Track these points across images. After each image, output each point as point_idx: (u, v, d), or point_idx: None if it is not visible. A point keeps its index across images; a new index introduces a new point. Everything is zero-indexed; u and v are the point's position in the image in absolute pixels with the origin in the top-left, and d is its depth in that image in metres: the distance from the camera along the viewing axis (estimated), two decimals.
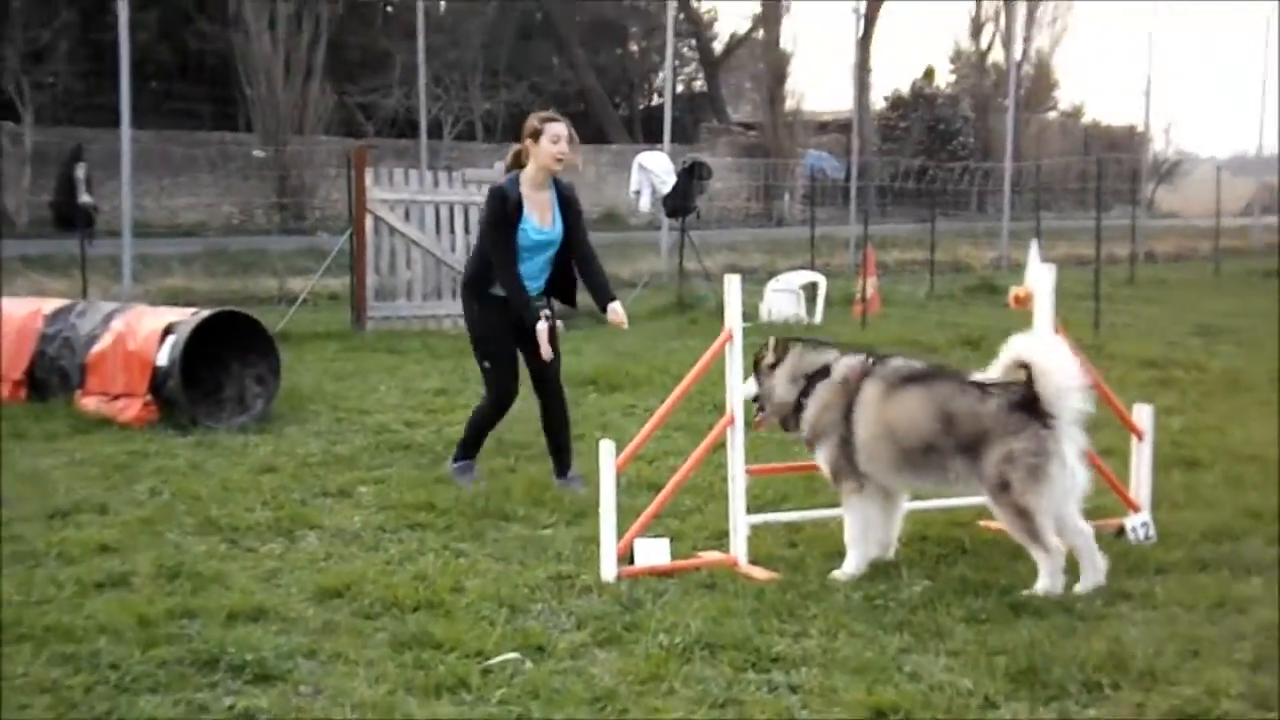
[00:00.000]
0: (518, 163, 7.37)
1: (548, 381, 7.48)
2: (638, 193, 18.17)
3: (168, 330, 9.16)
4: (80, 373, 9.44)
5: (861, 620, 5.24)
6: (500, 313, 7.28)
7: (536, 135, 7.24)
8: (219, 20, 32.45)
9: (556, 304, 7.53)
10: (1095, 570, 5.65)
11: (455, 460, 7.58)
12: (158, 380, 9.03)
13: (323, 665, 4.74)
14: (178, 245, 21.77)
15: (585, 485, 7.21)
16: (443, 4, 40.38)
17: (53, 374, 9.65)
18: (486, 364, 7.43)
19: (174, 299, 14.94)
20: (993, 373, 5.72)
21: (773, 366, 6.13)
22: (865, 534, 5.90)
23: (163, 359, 9.01)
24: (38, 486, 7.25)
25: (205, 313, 9.39)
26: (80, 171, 17.80)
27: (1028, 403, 5.54)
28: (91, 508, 6.79)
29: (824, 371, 6.00)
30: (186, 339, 9.01)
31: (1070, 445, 5.53)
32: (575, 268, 7.42)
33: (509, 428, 7.90)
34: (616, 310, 7.29)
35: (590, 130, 41.32)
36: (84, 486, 7.28)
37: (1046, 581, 5.53)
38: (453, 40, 35.63)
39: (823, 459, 5.98)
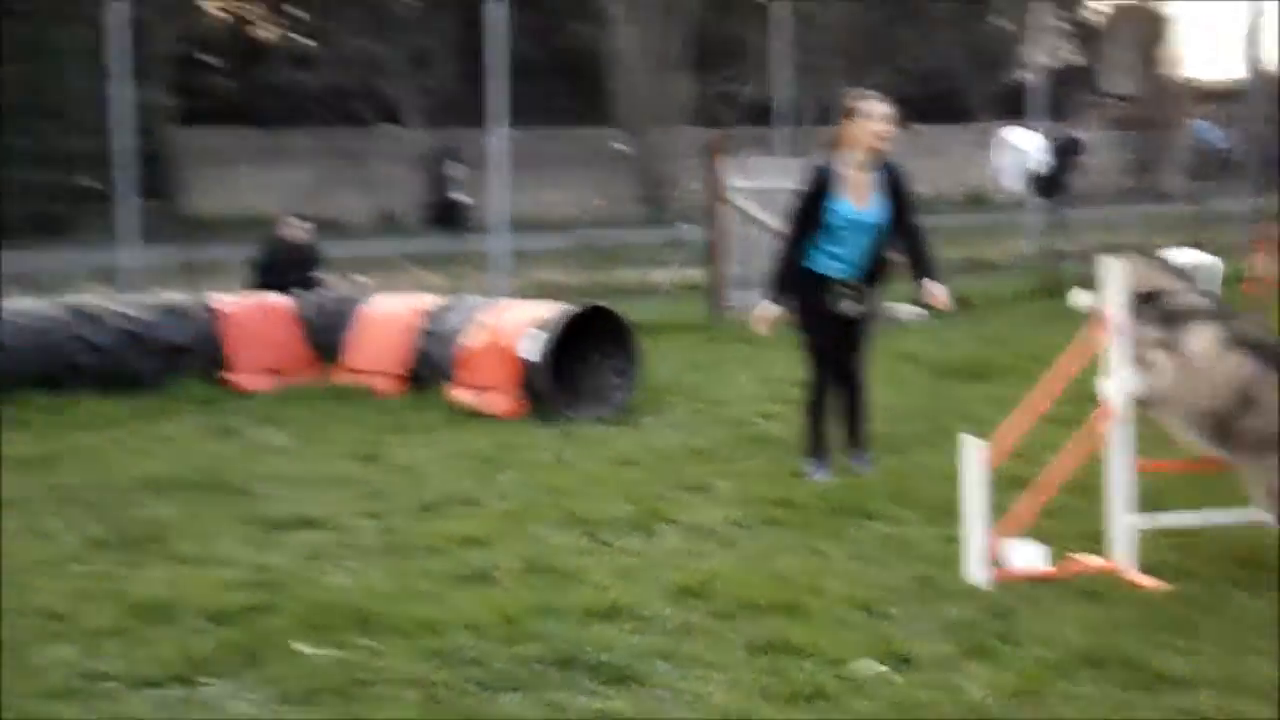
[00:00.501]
0: (841, 143, 7.15)
1: (847, 368, 7.28)
2: (1003, 170, 17.46)
3: (536, 325, 9.35)
4: (454, 366, 9.77)
5: (1267, 638, 4.71)
6: (813, 292, 7.13)
7: (852, 114, 7.03)
8: (588, 18, 33.46)
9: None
10: None
11: (806, 459, 7.40)
12: (526, 374, 9.24)
13: (678, 668, 4.63)
14: (549, 240, 22.44)
15: (871, 467, 7.15)
16: None
17: (429, 368, 10.03)
18: (803, 343, 7.31)
19: (545, 293, 15.35)
20: None
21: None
22: None
23: (532, 354, 9.21)
24: (413, 478, 7.51)
25: (573, 309, 9.53)
26: (453, 170, 18.54)
27: None
28: (460, 500, 6.96)
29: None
30: (556, 334, 9.17)
31: None
32: (898, 249, 7.19)
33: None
34: (932, 288, 7.02)
35: (955, 108, 40.28)
36: (455, 479, 7.49)
37: None
38: (813, 25, 35.41)
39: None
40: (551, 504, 6.84)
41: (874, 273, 7.22)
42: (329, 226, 26.65)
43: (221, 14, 38.50)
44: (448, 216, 17.45)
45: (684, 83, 31.91)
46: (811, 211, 7.08)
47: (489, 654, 4.73)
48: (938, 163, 36.53)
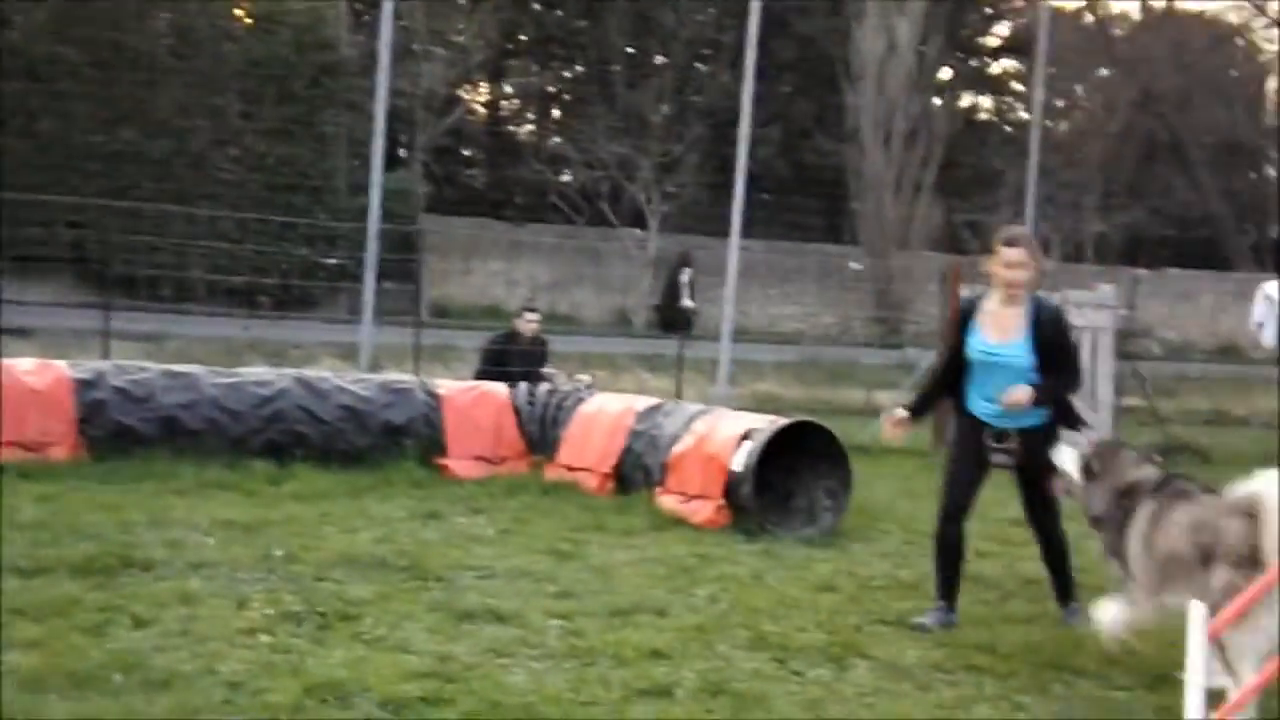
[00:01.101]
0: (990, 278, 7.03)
1: (1037, 514, 6.97)
2: (1261, 325, 16.58)
3: (745, 436, 9.20)
4: (661, 471, 9.68)
5: None
6: (966, 428, 6.91)
7: (994, 250, 6.85)
8: (836, 137, 33.52)
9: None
10: None
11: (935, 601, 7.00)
12: (731, 484, 9.07)
13: None
14: (774, 352, 22.33)
15: (1079, 619, 6.61)
16: (1064, 124, 39.57)
17: (637, 470, 9.96)
18: (943, 471, 7.11)
19: (765, 404, 15.21)
20: None
21: None
22: None
23: (738, 464, 9.05)
24: (606, 581, 7.39)
25: (782, 422, 9.37)
26: (685, 276, 18.68)
27: None
28: (651, 609, 6.79)
29: None
30: (762, 446, 9.01)
31: None
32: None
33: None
34: (1013, 391, 6.65)
35: (1214, 257, 38.82)
36: (648, 585, 7.33)
37: None
38: (1068, 160, 34.72)
39: None
40: (743, 623, 6.61)
41: (1039, 420, 6.84)
42: (563, 321, 27.27)
43: (482, 109, 39.98)
44: (676, 321, 17.48)
45: (930, 207, 31.63)
46: (951, 342, 6.99)
47: None
48: (1189, 308, 35.26)
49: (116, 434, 9.94)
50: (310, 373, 11.45)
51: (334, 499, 9.29)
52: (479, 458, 10.81)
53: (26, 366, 10.18)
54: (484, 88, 39.85)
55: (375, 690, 5.17)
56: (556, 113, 39.83)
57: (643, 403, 10.73)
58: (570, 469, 10.48)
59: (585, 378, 13.52)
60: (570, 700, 5.25)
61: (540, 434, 11.12)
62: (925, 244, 31.69)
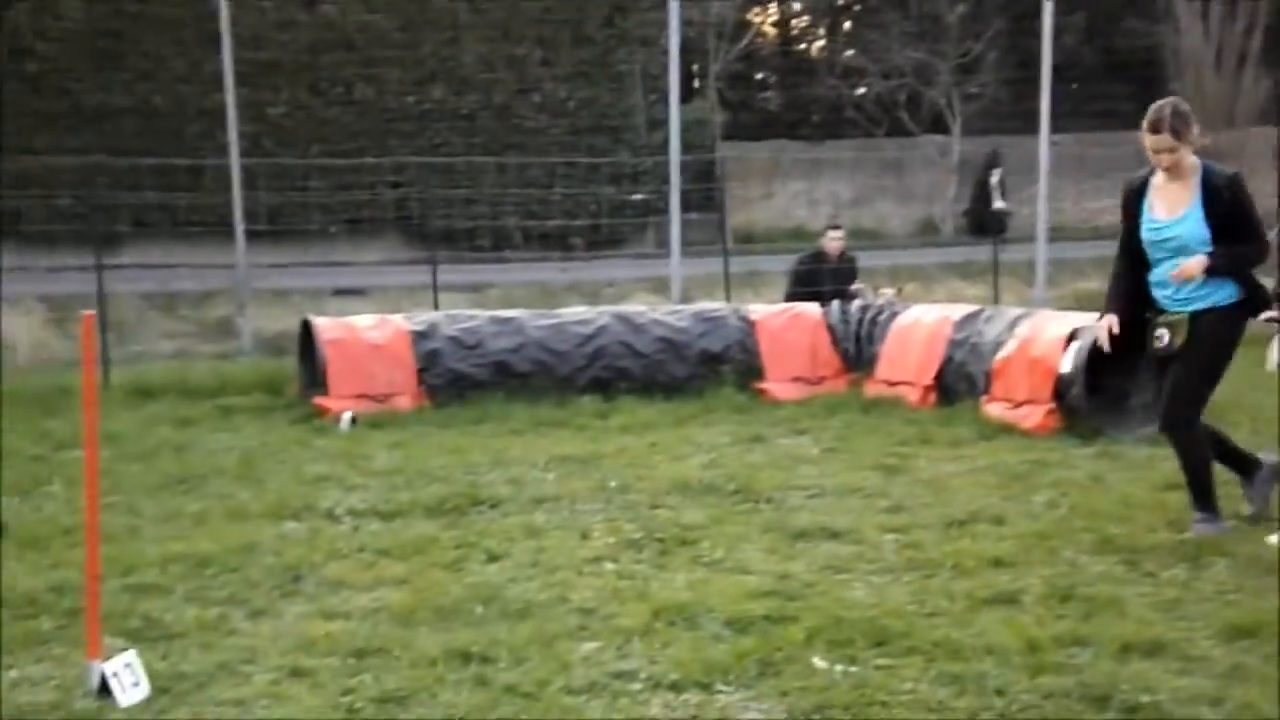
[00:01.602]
0: None
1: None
2: None
3: (1072, 336, 8.90)
4: (985, 379, 9.47)
5: None
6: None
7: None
8: (1148, 16, 31.78)
9: None
10: None
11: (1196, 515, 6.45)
12: (1060, 387, 8.80)
13: (1228, 715, 4.19)
14: (1092, 249, 21.45)
15: None
16: None
17: (959, 380, 9.79)
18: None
19: (1086, 303, 14.64)
20: None
21: None
22: None
23: (1066, 366, 8.77)
24: (938, 493, 7.31)
25: None
26: (995, 178, 18.13)
27: None
28: (988, 518, 6.68)
29: None
30: (1090, 346, 8.68)
31: None
32: None
33: None
34: (1186, 265, 6.09)
35: None
36: (982, 495, 7.22)
37: None
38: None
39: None
40: (1086, 527, 6.43)
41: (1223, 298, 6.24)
42: (867, 236, 26.94)
43: (772, 30, 39.71)
44: (988, 224, 17.01)
45: (1256, 80, 29.60)
46: (1126, 226, 6.42)
47: (1012, 683, 4.47)
48: None
49: (452, 381, 10.44)
50: (627, 308, 11.72)
51: (660, 429, 9.50)
52: (797, 379, 10.84)
53: (367, 323, 10.80)
54: (772, 8, 39.54)
55: (719, 610, 5.27)
56: (847, 25, 39.17)
57: (960, 311, 10.52)
58: (890, 384, 10.39)
59: (889, 291, 13.35)
60: (914, 612, 5.23)
61: (856, 351, 11.07)
62: (1253, 119, 29.71)
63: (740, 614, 5.23)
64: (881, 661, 4.72)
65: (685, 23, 18.45)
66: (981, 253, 18.10)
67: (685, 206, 15.40)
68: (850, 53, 35.71)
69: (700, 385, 10.62)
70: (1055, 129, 17.03)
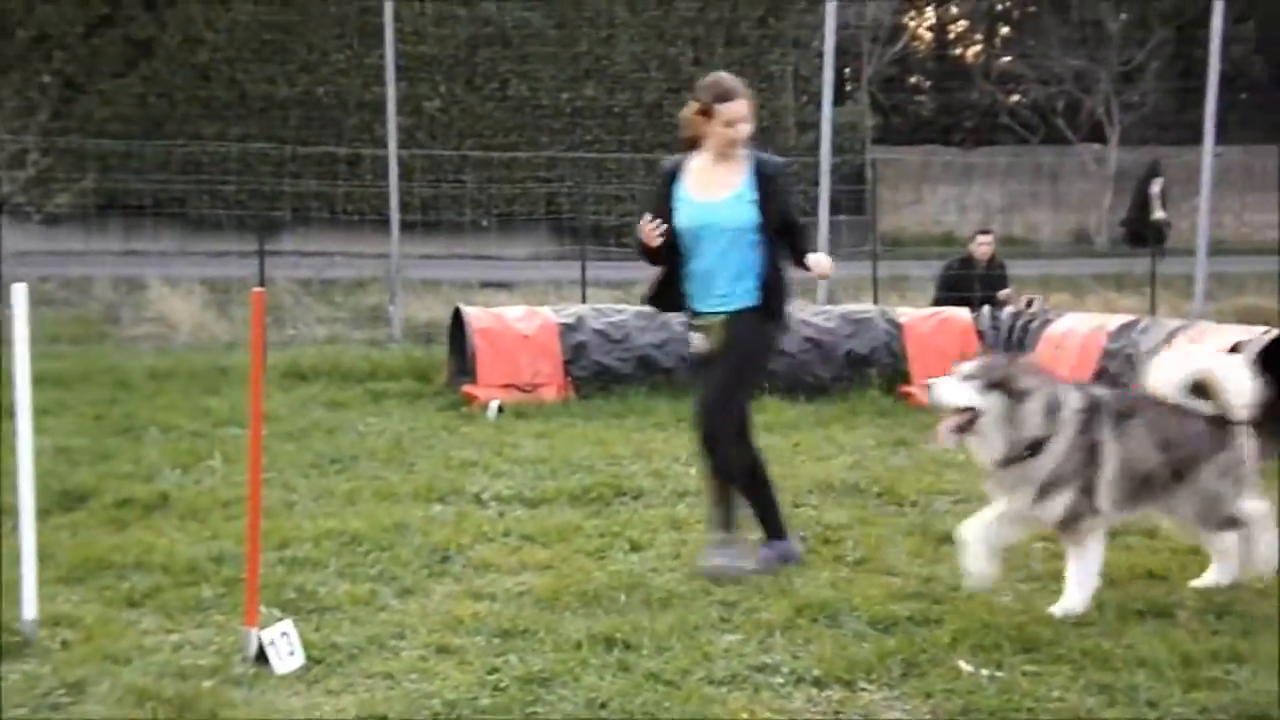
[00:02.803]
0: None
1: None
2: None
3: (1233, 349, 8.65)
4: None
5: None
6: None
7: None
8: None
9: None
10: None
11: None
12: None
13: None
14: (1254, 263, 20.82)
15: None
16: None
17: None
18: None
19: (1248, 319, 14.21)
20: None
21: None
22: None
23: None
24: None
25: (1276, 332, 8.74)
26: (1155, 188, 17.69)
27: None
28: (1140, 530, 6.50)
29: None
30: (1254, 358, 8.44)
31: None
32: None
33: None
34: (818, 260, 5.86)
35: None
36: None
37: None
38: None
39: None
40: None
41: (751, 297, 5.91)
42: (1018, 244, 26.48)
43: (928, 34, 39.27)
44: (1147, 235, 16.60)
45: None
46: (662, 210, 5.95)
47: (1165, 696, 4.39)
48: None
49: (597, 373, 10.52)
50: None
51: (803, 429, 9.47)
52: None
53: (516, 314, 10.94)
54: (929, 12, 39.09)
55: (862, 610, 5.25)
56: (1005, 30, 38.55)
57: (1115, 321, 10.30)
58: None
59: (1038, 298, 13.12)
60: (1063, 621, 5.15)
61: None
62: None
63: (884, 614, 5.20)
64: (1029, 668, 4.67)
65: (840, 25, 18.34)
66: (1137, 264, 17.69)
67: (834, 209, 15.31)
68: (1007, 59, 35.14)
69: (845, 387, 10.56)
70: (1220, 140, 16.56)
